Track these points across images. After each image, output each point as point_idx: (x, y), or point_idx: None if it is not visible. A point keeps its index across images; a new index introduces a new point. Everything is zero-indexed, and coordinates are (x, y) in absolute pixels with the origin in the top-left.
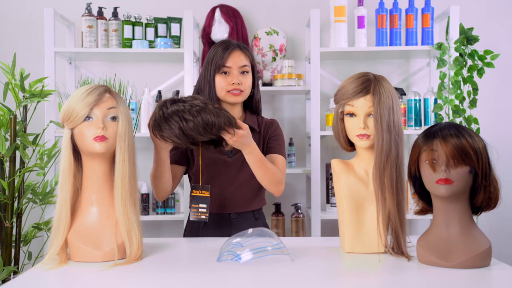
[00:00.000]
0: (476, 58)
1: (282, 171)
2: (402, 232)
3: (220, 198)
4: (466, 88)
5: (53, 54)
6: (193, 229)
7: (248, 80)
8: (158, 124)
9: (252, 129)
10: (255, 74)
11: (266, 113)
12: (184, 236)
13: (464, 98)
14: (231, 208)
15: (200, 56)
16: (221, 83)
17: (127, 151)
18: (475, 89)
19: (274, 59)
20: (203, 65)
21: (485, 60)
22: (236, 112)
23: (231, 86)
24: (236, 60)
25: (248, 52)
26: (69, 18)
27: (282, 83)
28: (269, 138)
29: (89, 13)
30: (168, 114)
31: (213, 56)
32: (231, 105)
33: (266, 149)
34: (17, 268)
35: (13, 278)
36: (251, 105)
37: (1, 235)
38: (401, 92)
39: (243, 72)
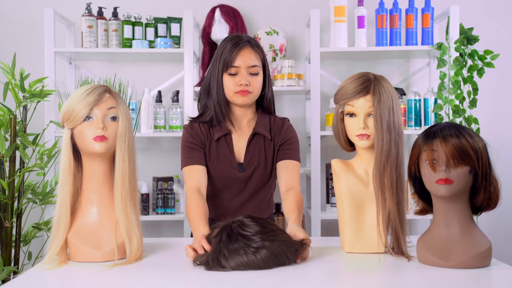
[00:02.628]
0: (476, 58)
1: (297, 184)
2: (402, 232)
3: (228, 210)
4: (466, 88)
5: (53, 54)
6: None
7: (257, 81)
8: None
9: (264, 137)
10: (267, 73)
11: None
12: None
13: (464, 98)
14: None
15: (200, 56)
16: (228, 83)
17: (127, 151)
18: (475, 89)
19: (274, 59)
20: (211, 61)
21: (485, 60)
22: (248, 114)
23: (238, 87)
24: (245, 58)
25: (259, 49)
26: (69, 18)
27: (282, 83)
28: (281, 144)
29: (89, 13)
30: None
31: (221, 52)
32: (241, 106)
33: (278, 154)
34: (17, 268)
35: (13, 278)
36: (263, 104)
37: (1, 235)
38: (401, 92)
39: (252, 73)
